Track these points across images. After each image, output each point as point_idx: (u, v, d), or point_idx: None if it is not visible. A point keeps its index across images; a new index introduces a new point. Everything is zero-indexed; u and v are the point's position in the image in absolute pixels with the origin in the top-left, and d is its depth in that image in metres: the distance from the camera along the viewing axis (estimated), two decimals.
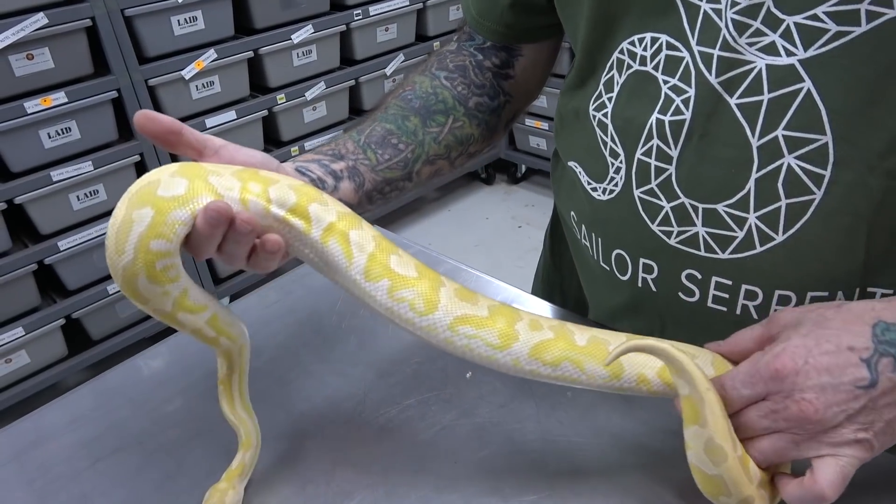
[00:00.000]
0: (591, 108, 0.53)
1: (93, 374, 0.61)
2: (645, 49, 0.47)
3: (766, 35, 0.42)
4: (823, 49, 0.40)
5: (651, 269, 0.52)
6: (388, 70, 2.20)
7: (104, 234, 1.69)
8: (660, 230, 0.49)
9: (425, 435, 0.52)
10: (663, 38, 0.46)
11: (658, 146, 0.48)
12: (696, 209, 0.47)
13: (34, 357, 1.70)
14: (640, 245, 0.51)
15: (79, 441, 0.54)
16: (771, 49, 0.42)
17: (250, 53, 1.84)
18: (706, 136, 0.45)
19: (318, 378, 0.58)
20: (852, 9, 0.39)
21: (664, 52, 0.46)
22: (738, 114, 0.44)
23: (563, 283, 0.74)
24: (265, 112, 1.93)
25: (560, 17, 0.56)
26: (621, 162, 0.51)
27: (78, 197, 1.66)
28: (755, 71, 0.42)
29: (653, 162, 0.48)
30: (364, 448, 0.51)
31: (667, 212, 0.49)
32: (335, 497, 0.47)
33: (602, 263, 0.56)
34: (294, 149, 2.04)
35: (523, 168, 2.75)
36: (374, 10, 2.07)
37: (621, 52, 0.49)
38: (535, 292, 0.77)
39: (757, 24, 0.42)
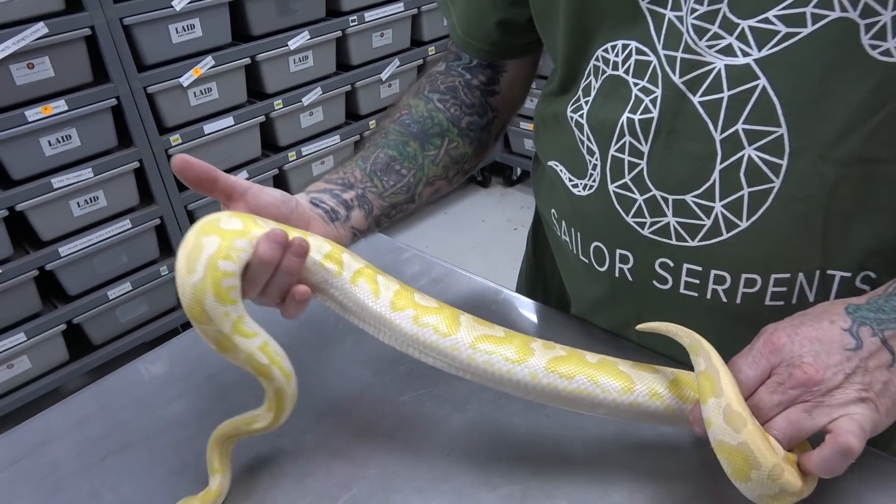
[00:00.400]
0: (568, 110, 0.56)
1: (94, 379, 0.63)
2: (617, 55, 0.51)
3: (724, 38, 0.45)
4: (775, 49, 0.44)
5: (627, 260, 0.55)
6: (384, 75, 2.22)
7: (104, 239, 1.72)
8: (634, 222, 0.53)
9: (419, 429, 0.54)
10: (633, 44, 0.49)
11: (630, 143, 0.51)
12: (666, 201, 0.50)
13: (35, 362, 1.72)
14: (616, 237, 0.54)
15: (86, 439, 0.56)
16: (728, 50, 0.45)
17: (247, 60, 1.86)
18: (673, 133, 0.49)
19: (316, 376, 0.60)
20: (799, 12, 0.42)
21: (634, 56, 0.50)
22: (701, 111, 0.47)
23: (545, 281, 0.77)
24: (262, 118, 1.96)
25: (539, 32, 0.59)
26: (597, 159, 0.54)
27: (78, 203, 1.68)
28: (715, 71, 0.46)
29: (626, 158, 0.52)
30: (361, 442, 0.53)
31: (640, 204, 0.52)
32: (333, 488, 0.50)
33: (581, 257, 0.59)
34: (291, 154, 2.07)
35: (518, 171, 2.77)
36: (369, 16, 2.09)
37: (597, 59, 0.53)
38: (518, 290, 0.80)
39: (715, 28, 0.45)
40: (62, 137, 1.61)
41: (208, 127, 1.85)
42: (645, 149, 0.50)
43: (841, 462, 0.40)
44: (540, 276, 0.78)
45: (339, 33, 2.04)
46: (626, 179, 0.52)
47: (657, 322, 0.47)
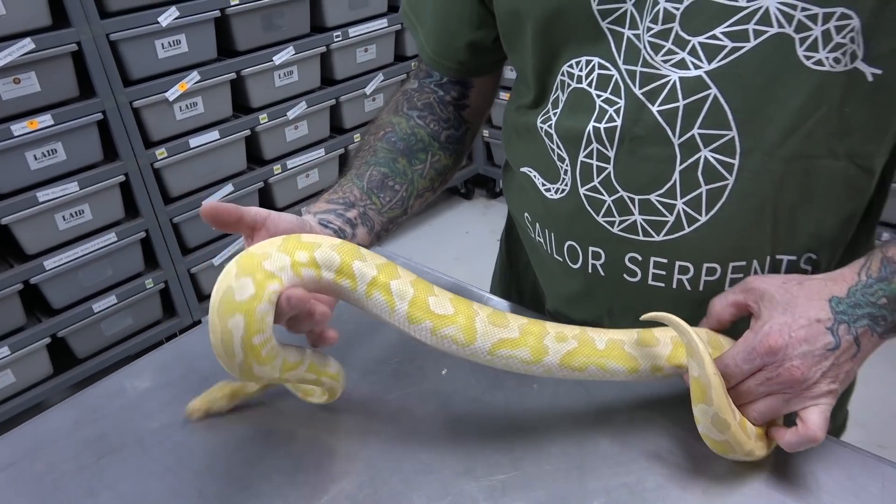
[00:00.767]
0: (538, 121, 0.61)
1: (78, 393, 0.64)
2: (581, 69, 0.55)
3: (677, 53, 0.50)
4: (723, 62, 0.49)
5: (599, 256, 0.59)
6: (368, 90, 2.26)
7: (89, 252, 1.73)
8: (604, 221, 0.57)
9: (405, 426, 0.56)
10: (595, 59, 0.54)
11: (597, 149, 0.55)
12: (633, 200, 0.55)
13: (19, 376, 1.71)
14: (589, 235, 0.59)
15: (83, 441, 0.58)
16: (682, 64, 0.50)
17: (233, 75, 1.89)
18: (636, 139, 0.53)
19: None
20: (742, 28, 0.48)
21: (597, 71, 0.54)
22: (660, 118, 0.52)
23: (518, 280, 0.81)
24: (248, 132, 1.98)
25: (506, 51, 0.63)
26: (567, 165, 0.58)
27: (64, 217, 1.69)
28: (671, 83, 0.51)
29: (594, 163, 0.56)
30: (350, 439, 0.56)
31: (609, 205, 0.56)
32: (324, 483, 0.52)
33: (556, 256, 0.63)
34: (276, 167, 2.09)
35: (501, 183, 2.81)
36: (353, 31, 2.13)
37: (562, 74, 0.57)
38: (493, 291, 0.84)
39: (669, 45, 0.50)
40: (48, 151, 1.62)
41: (194, 141, 1.86)
42: (611, 154, 0.55)
43: (805, 447, 0.47)
44: (514, 276, 0.82)
45: (323, 49, 2.08)
46: (596, 182, 0.56)
47: (663, 312, 0.50)
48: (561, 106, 0.58)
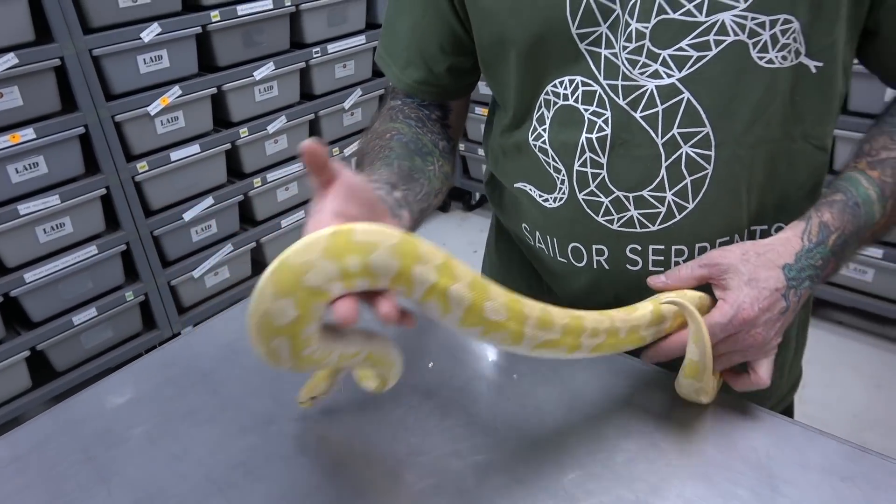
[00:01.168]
0: (530, 139, 0.66)
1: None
2: (565, 88, 0.61)
3: (651, 65, 0.57)
4: (692, 69, 0.57)
5: (602, 252, 0.65)
6: (347, 104, 2.31)
7: (70, 265, 1.75)
8: (604, 220, 0.64)
9: (396, 413, 0.61)
10: (578, 78, 0.61)
11: (591, 158, 0.62)
12: (628, 198, 0.62)
13: None
14: (591, 235, 0.65)
15: (91, 433, 0.61)
16: (656, 75, 0.57)
17: (214, 90, 1.92)
18: (624, 144, 0.60)
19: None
20: (704, 40, 0.56)
21: (581, 88, 0.61)
22: (644, 123, 0.59)
23: (516, 286, 0.85)
24: (228, 145, 2.01)
25: (486, 77, 0.68)
26: (563, 175, 0.64)
27: (45, 230, 1.70)
28: (649, 91, 0.58)
29: (589, 170, 0.62)
30: (344, 427, 0.60)
31: (607, 205, 0.63)
32: (322, 467, 0.56)
33: (560, 258, 0.69)
34: (256, 180, 2.12)
35: (477, 195, 2.88)
36: (332, 47, 2.18)
37: (546, 94, 0.63)
38: None
39: (643, 59, 0.57)
40: (29, 165, 1.64)
41: (175, 154, 1.89)
42: (604, 160, 0.61)
43: (754, 389, 0.57)
44: (511, 283, 0.85)
45: (302, 64, 2.12)
46: (592, 187, 0.63)
47: (679, 299, 0.55)
48: (549, 122, 0.63)
